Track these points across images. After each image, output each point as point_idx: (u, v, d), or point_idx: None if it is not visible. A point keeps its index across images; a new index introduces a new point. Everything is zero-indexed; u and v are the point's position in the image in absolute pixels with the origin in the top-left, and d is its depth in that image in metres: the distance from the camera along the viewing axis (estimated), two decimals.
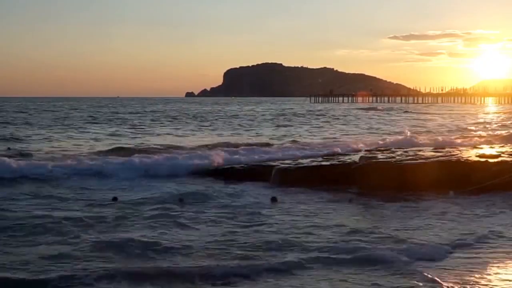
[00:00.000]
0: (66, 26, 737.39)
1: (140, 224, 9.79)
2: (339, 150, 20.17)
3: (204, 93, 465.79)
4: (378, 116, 60.21)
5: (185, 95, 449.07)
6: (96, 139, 27.78)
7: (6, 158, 16.66)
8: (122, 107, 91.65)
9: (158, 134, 31.99)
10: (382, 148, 18.89)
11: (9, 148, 21.86)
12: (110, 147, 22.02)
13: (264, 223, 9.93)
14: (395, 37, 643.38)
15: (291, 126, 41.66)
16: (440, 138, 25.11)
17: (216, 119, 50.78)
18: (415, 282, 6.77)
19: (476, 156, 15.20)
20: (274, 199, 12.30)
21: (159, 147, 21.91)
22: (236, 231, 9.23)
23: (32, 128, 35.97)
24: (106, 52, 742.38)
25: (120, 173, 15.96)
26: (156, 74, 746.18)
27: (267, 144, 23.34)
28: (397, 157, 15.37)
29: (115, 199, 12.11)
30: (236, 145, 21.77)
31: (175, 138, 29.04)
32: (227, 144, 22.71)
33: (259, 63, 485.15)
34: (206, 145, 22.21)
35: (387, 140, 23.73)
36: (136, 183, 14.70)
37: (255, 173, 15.87)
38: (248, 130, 37.15)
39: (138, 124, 42.26)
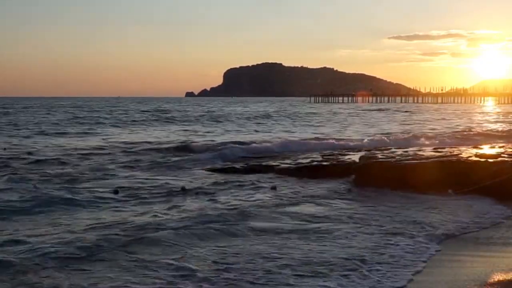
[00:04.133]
0: (67, 26, 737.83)
1: None
2: None
3: (204, 93, 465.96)
4: None
5: (185, 95, 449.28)
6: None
7: None
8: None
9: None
10: (382, 148, 18.90)
11: (5, 149, 21.62)
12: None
13: None
14: (398, 37, 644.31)
15: None
16: None
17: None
18: None
19: (476, 156, 15.20)
20: (274, 188, 13.21)
21: None
22: None
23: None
24: (106, 52, 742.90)
25: None
26: (156, 74, 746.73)
27: None
28: (397, 157, 15.36)
29: None
30: None
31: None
32: None
33: (259, 63, 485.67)
34: None
35: None
36: None
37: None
38: None
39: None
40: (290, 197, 12.26)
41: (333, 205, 11.55)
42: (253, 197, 12.21)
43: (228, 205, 11.05)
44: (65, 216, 10.10)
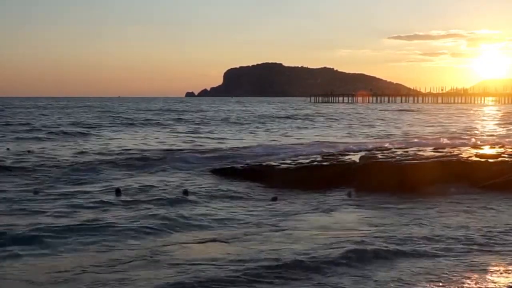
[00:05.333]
0: (67, 26, 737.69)
1: None
2: None
3: (204, 93, 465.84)
4: None
5: (185, 95, 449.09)
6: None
7: None
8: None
9: None
10: (382, 148, 18.88)
11: (8, 149, 21.74)
12: None
13: None
14: (399, 37, 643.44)
15: None
16: None
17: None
18: None
19: (476, 156, 15.18)
20: (274, 199, 12.77)
21: None
22: None
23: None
24: (107, 53, 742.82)
25: None
26: (156, 74, 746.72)
27: None
28: (397, 157, 15.32)
29: None
30: None
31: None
32: None
33: (259, 63, 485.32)
34: None
35: None
36: None
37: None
38: None
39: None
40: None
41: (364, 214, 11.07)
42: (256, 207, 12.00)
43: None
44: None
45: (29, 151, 20.33)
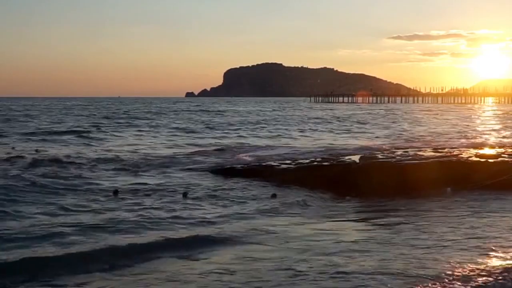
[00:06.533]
0: (67, 27, 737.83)
1: None
2: None
3: (204, 93, 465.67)
4: None
5: (185, 95, 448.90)
6: None
7: None
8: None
9: None
10: (382, 148, 18.88)
11: (13, 148, 21.73)
12: None
13: None
14: (399, 37, 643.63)
15: None
16: None
17: None
18: None
19: (476, 156, 15.16)
20: (274, 196, 12.82)
21: None
22: None
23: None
24: (107, 53, 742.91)
25: None
26: (156, 74, 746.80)
27: None
28: (397, 157, 15.31)
29: None
30: None
31: None
32: None
33: (259, 63, 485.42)
34: None
35: None
36: None
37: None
38: None
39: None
40: None
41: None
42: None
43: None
44: None
45: (36, 150, 20.51)
